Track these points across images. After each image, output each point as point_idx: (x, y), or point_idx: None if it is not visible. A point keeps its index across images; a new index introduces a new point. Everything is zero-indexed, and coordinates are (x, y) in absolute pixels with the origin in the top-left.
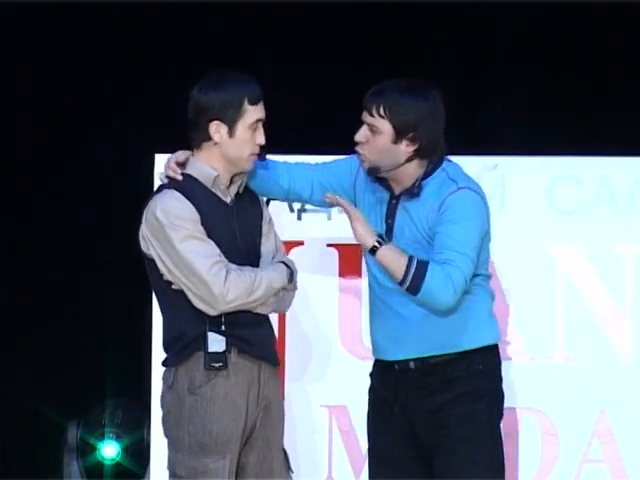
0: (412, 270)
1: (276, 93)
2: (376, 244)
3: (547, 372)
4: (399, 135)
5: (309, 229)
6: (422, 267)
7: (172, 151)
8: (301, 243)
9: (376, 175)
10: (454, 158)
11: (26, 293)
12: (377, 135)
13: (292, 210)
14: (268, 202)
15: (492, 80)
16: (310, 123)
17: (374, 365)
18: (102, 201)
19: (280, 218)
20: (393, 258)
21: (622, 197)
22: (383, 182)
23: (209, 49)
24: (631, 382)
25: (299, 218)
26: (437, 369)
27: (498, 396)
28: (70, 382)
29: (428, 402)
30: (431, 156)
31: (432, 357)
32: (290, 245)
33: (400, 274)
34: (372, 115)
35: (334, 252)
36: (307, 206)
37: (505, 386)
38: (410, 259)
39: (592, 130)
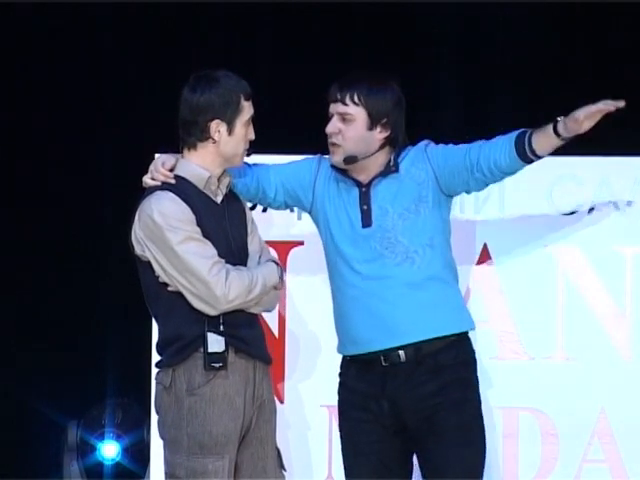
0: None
1: (273, 93)
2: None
3: (547, 372)
4: (373, 122)
5: (309, 229)
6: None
7: (172, 151)
8: (301, 243)
9: (351, 164)
10: None
11: (26, 293)
12: (351, 123)
13: (292, 210)
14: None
15: (492, 80)
16: (307, 123)
17: (349, 364)
18: (102, 201)
19: (280, 218)
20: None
21: (622, 197)
22: (347, 176)
23: (209, 49)
24: (631, 382)
25: (299, 218)
26: (427, 359)
27: (478, 386)
28: (70, 382)
29: (418, 391)
30: (399, 144)
31: (422, 343)
32: (290, 245)
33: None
34: (345, 104)
35: None
36: None
37: (505, 386)
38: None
39: (592, 130)
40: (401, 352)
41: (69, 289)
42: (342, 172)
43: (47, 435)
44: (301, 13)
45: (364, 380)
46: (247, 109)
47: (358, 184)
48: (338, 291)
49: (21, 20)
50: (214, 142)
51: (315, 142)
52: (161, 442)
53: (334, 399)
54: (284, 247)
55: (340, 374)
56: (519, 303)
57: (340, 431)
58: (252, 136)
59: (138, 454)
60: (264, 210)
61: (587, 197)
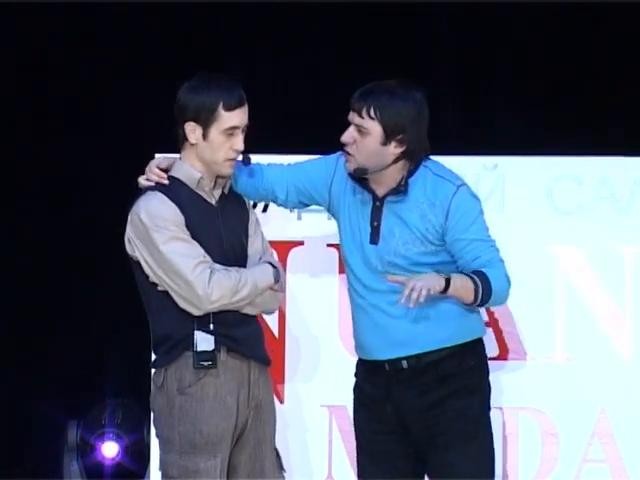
0: (480, 288)
1: (273, 93)
2: (446, 280)
3: (547, 372)
4: (388, 137)
5: (309, 229)
6: (485, 280)
7: (172, 151)
8: (301, 243)
9: (361, 176)
10: (455, 158)
11: (26, 293)
12: (365, 136)
13: (292, 210)
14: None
15: (492, 80)
16: (305, 123)
17: (359, 364)
18: (102, 201)
19: (280, 218)
20: (462, 285)
21: (622, 197)
22: (364, 184)
23: (209, 49)
24: (631, 382)
25: (299, 218)
26: (430, 367)
27: (488, 390)
28: (70, 382)
29: (422, 400)
30: (417, 157)
31: (424, 354)
32: (290, 245)
33: (471, 296)
34: (361, 116)
35: (334, 252)
36: None
37: (506, 386)
38: (472, 279)
39: (592, 130)
40: (404, 361)
41: (69, 289)
42: (359, 181)
43: (47, 435)
44: (301, 13)
45: (370, 382)
46: (226, 119)
47: (373, 197)
48: (349, 296)
49: (21, 20)
50: (192, 145)
51: (315, 142)
52: None
53: (334, 399)
54: (284, 247)
55: (355, 374)
56: (519, 303)
57: (354, 430)
58: (238, 147)
59: (138, 454)
60: (264, 210)
61: (587, 197)
